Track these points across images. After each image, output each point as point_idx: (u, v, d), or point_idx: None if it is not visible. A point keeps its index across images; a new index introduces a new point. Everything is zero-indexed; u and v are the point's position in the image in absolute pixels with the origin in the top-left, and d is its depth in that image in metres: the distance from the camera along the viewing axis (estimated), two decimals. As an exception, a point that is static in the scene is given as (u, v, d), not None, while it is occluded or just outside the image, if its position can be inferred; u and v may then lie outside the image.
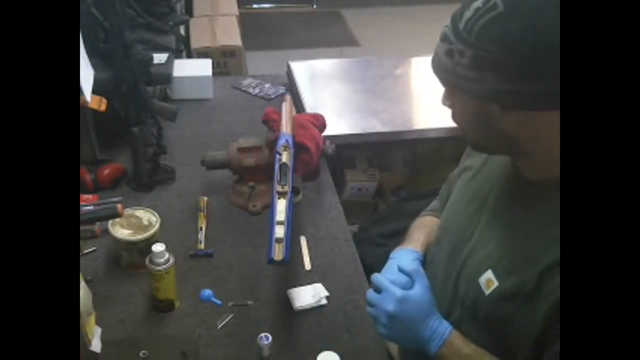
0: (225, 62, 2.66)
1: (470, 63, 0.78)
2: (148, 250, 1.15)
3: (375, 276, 0.99)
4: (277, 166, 1.24)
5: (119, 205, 1.18)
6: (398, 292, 0.94)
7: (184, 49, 2.60)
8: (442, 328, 0.94)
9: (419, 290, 0.96)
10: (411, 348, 0.99)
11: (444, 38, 0.81)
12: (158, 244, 1.14)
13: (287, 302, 1.24)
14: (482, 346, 0.92)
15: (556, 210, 0.79)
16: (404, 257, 1.08)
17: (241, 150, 1.47)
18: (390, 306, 0.94)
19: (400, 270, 1.01)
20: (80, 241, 1.28)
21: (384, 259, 1.17)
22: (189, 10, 3.01)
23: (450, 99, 0.88)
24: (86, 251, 1.31)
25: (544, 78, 0.75)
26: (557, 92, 0.73)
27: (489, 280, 0.89)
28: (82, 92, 1.29)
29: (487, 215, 0.95)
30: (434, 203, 1.27)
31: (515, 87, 0.76)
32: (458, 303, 0.97)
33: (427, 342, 0.94)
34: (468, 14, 0.78)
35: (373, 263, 1.53)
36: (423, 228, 1.19)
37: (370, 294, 0.99)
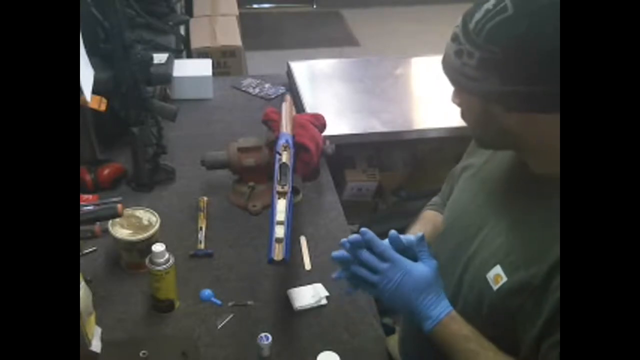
0: (225, 62, 2.66)
1: (477, 64, 0.79)
2: (148, 250, 1.15)
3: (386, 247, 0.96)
4: (277, 166, 1.24)
5: (119, 205, 1.18)
6: (407, 264, 0.94)
7: (184, 49, 2.59)
8: (439, 308, 0.93)
9: (422, 266, 0.95)
10: (411, 332, 1.00)
11: (454, 38, 0.83)
12: (158, 244, 1.14)
13: (287, 302, 1.24)
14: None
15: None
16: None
17: (241, 150, 1.47)
18: (397, 275, 0.93)
19: (406, 245, 0.99)
20: (80, 241, 1.28)
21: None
22: (189, 10, 3.01)
23: (458, 97, 0.89)
24: (86, 251, 1.31)
25: (547, 81, 0.76)
26: (555, 98, 0.74)
27: (497, 276, 0.89)
28: (82, 92, 1.29)
29: (493, 212, 0.95)
30: (435, 199, 1.27)
31: (519, 90, 0.78)
32: (460, 299, 0.97)
33: (421, 320, 0.94)
34: (478, 15, 0.79)
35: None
36: (424, 221, 1.19)
37: (374, 261, 0.96)
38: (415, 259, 0.97)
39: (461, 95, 0.88)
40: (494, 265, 0.90)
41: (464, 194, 1.05)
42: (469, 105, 0.87)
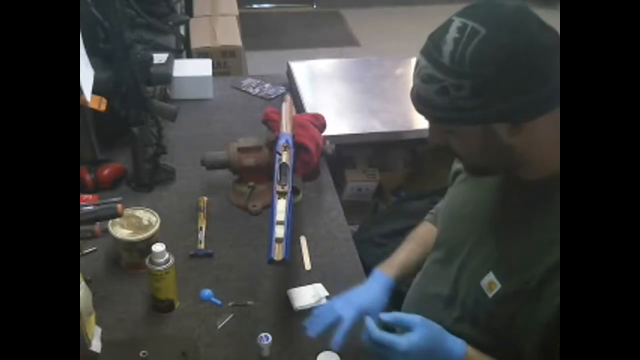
0: (225, 62, 2.65)
1: (471, 93, 0.77)
2: (148, 250, 1.15)
3: (375, 334, 0.91)
4: (277, 166, 1.24)
5: (119, 205, 1.18)
6: (402, 346, 0.88)
7: (184, 49, 2.59)
8: (456, 349, 0.90)
9: (419, 334, 0.89)
10: None
11: (428, 80, 0.79)
12: (158, 244, 1.14)
13: (287, 302, 1.24)
14: (483, 346, 0.92)
15: (555, 208, 0.80)
16: (369, 297, 1.07)
17: (241, 150, 1.46)
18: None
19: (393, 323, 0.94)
20: (80, 241, 1.28)
21: (384, 259, 1.17)
22: (189, 10, 3.01)
23: (442, 135, 0.86)
24: (86, 251, 1.31)
25: (544, 84, 0.76)
26: (556, 93, 0.75)
27: (491, 283, 0.89)
28: (82, 92, 1.29)
29: (483, 218, 0.95)
30: (439, 205, 1.27)
31: (524, 99, 0.77)
32: (458, 304, 0.97)
33: None
34: (448, 47, 0.77)
35: (373, 263, 1.53)
36: (410, 244, 1.19)
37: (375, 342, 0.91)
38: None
39: (451, 132, 0.84)
40: (487, 272, 0.90)
41: (455, 199, 1.05)
42: (466, 137, 0.84)
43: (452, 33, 0.77)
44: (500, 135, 0.81)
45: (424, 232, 1.20)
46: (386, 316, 0.93)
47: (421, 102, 0.82)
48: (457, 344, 0.90)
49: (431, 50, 0.79)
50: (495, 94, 0.76)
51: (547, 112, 0.79)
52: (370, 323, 0.92)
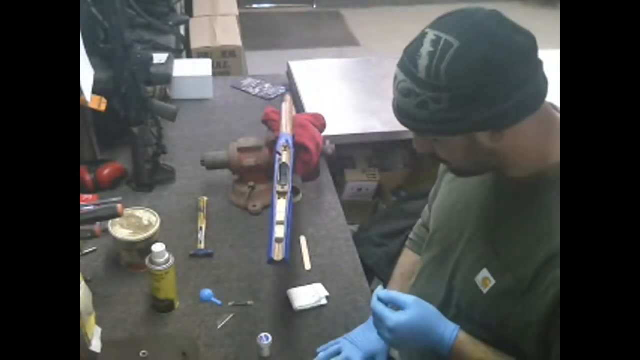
0: (225, 62, 2.65)
1: (449, 105, 0.77)
2: (148, 250, 1.15)
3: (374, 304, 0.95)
4: (277, 166, 1.24)
5: (119, 205, 1.18)
6: (390, 321, 0.91)
7: (184, 49, 2.59)
8: (447, 333, 0.91)
9: (409, 314, 0.91)
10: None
11: (407, 94, 0.79)
12: (158, 244, 1.14)
13: (287, 302, 1.24)
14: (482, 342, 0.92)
15: (544, 204, 0.81)
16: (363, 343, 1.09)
17: (241, 150, 1.47)
18: (387, 335, 0.92)
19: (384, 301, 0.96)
20: (80, 241, 1.28)
21: (384, 259, 1.18)
22: (189, 10, 3.01)
23: (427, 144, 0.87)
24: (86, 251, 1.31)
25: (522, 88, 0.76)
26: (535, 95, 0.77)
27: (485, 279, 0.89)
28: (82, 92, 1.29)
29: (474, 216, 0.95)
30: (416, 228, 1.26)
31: (502, 107, 0.77)
32: (453, 305, 0.97)
33: (437, 349, 0.92)
34: (423, 62, 0.77)
35: (373, 263, 1.53)
36: (399, 280, 1.19)
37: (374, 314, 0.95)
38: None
39: (436, 142, 0.85)
40: (481, 268, 0.90)
41: (446, 198, 1.05)
42: (450, 147, 0.84)
43: (427, 47, 0.77)
44: (483, 141, 0.81)
45: (410, 266, 1.20)
46: (382, 293, 0.95)
47: (402, 115, 0.83)
48: (449, 329, 0.92)
49: (407, 64, 0.79)
50: (475, 104, 0.76)
51: (528, 116, 0.79)
52: (375, 293, 0.95)
